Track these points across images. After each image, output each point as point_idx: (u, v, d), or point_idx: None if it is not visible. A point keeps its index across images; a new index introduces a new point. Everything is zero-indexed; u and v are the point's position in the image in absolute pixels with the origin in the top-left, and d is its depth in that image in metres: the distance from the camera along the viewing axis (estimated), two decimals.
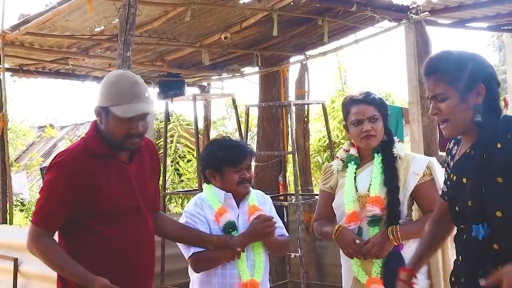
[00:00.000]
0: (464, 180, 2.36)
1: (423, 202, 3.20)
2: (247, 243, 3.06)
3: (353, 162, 3.26)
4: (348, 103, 3.27)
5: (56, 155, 2.78)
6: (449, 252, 3.22)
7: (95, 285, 2.60)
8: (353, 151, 3.31)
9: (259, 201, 3.18)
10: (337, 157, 3.37)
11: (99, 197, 2.69)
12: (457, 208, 2.39)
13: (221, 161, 3.11)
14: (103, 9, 4.93)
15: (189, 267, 3.16)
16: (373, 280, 3.11)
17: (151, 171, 2.93)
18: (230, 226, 3.07)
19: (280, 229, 3.20)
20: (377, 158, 3.20)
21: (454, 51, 2.46)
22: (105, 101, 2.70)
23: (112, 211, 2.72)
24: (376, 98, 3.25)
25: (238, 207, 3.14)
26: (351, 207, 3.17)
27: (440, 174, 3.17)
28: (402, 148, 3.24)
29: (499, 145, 2.26)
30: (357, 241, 3.09)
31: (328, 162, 3.67)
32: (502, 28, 7.88)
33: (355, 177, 3.24)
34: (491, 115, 2.33)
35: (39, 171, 14.47)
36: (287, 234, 3.25)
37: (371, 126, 3.17)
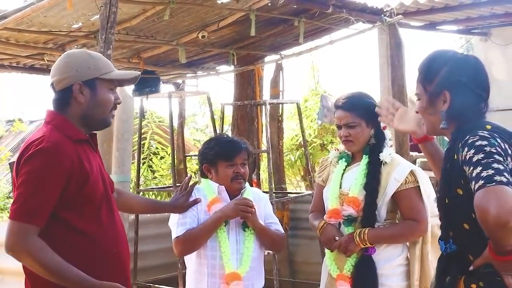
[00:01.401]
0: None
1: (403, 209, 3.20)
2: (222, 218, 3.08)
3: (344, 159, 3.34)
4: (334, 107, 3.33)
5: (31, 144, 2.42)
6: (428, 257, 3.21)
7: None
8: None
9: (254, 198, 3.19)
10: (337, 149, 3.44)
11: (87, 184, 2.45)
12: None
13: (216, 155, 3.18)
14: (82, 6, 4.93)
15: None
16: (342, 276, 3.17)
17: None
18: None
19: (275, 225, 3.26)
20: (364, 160, 3.23)
21: (440, 52, 2.37)
22: (91, 73, 2.54)
23: (94, 200, 2.49)
24: (357, 105, 3.24)
25: None
26: (334, 203, 3.25)
27: (426, 182, 3.20)
28: (389, 154, 3.22)
29: (455, 157, 2.19)
30: (337, 238, 3.17)
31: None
32: (471, 31, 8.07)
33: (343, 174, 3.30)
34: (456, 124, 2.26)
35: (8, 166, 14.21)
36: (283, 232, 3.29)
37: (347, 132, 3.24)
